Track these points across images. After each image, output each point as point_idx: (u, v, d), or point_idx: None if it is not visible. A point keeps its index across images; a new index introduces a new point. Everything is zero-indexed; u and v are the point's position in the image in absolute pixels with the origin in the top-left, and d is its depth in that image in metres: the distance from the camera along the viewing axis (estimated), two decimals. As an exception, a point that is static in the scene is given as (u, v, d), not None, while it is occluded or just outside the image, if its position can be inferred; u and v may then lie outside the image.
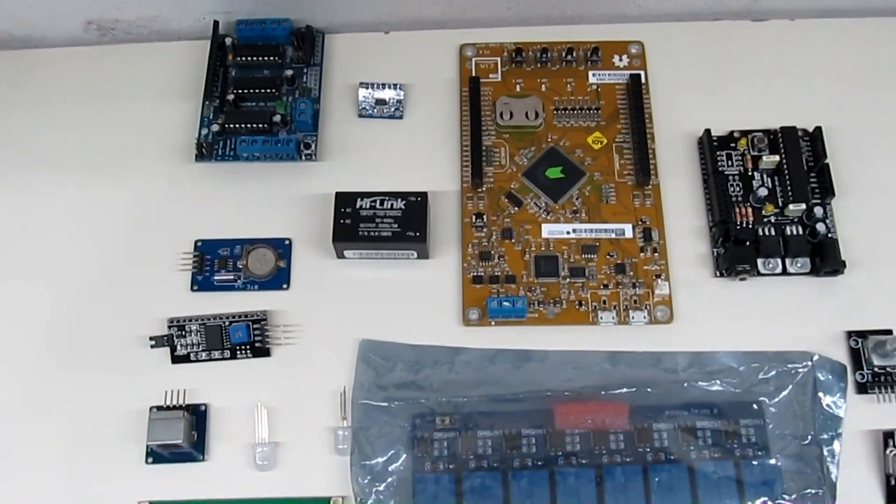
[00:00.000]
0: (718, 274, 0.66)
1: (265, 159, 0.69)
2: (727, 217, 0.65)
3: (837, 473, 0.60)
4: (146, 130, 0.71)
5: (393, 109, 0.70)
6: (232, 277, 0.66)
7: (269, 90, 0.70)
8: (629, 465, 0.59)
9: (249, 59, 0.71)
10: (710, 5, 0.74)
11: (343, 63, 0.73)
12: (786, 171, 0.67)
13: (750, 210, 0.67)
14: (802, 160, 0.67)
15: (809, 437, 0.60)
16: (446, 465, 0.60)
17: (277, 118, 0.68)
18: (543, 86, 0.71)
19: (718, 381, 0.62)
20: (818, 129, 0.68)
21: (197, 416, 0.63)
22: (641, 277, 0.65)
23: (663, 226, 0.67)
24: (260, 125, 0.68)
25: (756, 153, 0.68)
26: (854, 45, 0.72)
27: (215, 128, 0.69)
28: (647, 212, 0.67)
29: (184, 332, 0.64)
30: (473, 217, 0.67)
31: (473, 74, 0.71)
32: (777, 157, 0.67)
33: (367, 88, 0.70)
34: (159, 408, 0.62)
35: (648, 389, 0.61)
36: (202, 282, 0.66)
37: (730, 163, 0.68)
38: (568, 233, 0.66)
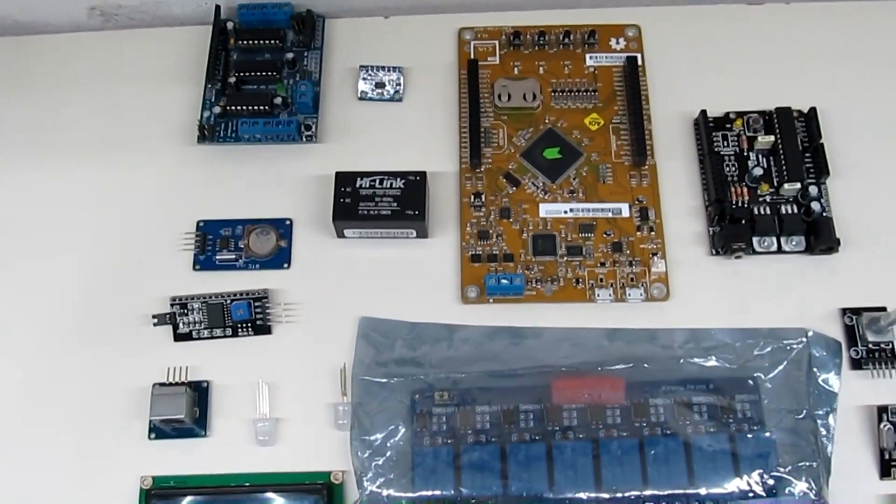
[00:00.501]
0: (714, 252, 0.66)
1: (266, 141, 0.69)
2: (723, 196, 0.66)
3: (832, 448, 0.61)
4: (149, 114, 0.72)
5: (392, 92, 0.71)
6: (233, 257, 0.67)
7: (270, 73, 0.71)
8: (625, 439, 0.60)
9: (251, 42, 0.72)
10: (706, -11, 0.75)
11: (343, 47, 0.74)
12: (781, 152, 0.68)
13: (745, 190, 0.67)
14: (797, 140, 0.68)
15: (804, 412, 0.61)
16: (445, 440, 0.60)
17: (278, 100, 0.69)
18: (541, 68, 0.72)
19: (714, 357, 0.62)
20: (813, 110, 0.69)
21: (199, 393, 0.63)
22: (638, 256, 0.66)
23: (660, 205, 0.67)
24: (261, 107, 0.69)
25: (751, 134, 0.69)
26: (847, 28, 0.73)
27: (217, 110, 0.70)
28: (644, 191, 0.68)
29: (186, 311, 0.65)
30: (472, 197, 0.68)
31: (472, 57, 0.72)
32: (772, 138, 0.68)
33: (366, 71, 0.71)
34: (162, 384, 0.63)
35: (645, 365, 0.62)
36: (204, 261, 0.67)
37: (725, 143, 0.69)
38: (565, 212, 0.67)
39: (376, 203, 0.65)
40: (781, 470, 0.59)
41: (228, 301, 0.65)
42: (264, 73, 0.71)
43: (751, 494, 0.58)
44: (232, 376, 0.64)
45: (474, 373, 0.62)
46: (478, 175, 0.68)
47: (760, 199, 0.67)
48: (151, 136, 0.71)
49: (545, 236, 0.66)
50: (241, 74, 0.71)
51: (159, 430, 0.62)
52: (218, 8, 0.73)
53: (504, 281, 0.64)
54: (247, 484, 0.61)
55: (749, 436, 0.60)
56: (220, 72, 0.71)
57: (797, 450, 0.60)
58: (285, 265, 0.67)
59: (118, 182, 0.70)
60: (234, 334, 0.65)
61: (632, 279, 0.65)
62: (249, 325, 0.65)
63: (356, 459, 0.60)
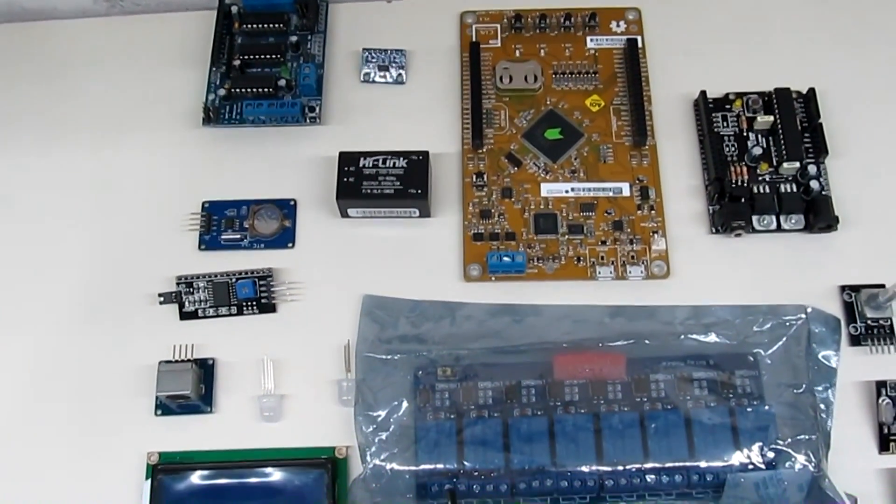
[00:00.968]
0: (714, 230, 0.67)
1: (270, 122, 0.70)
2: (723, 175, 0.67)
3: (831, 423, 0.61)
4: (155, 97, 0.73)
5: (395, 75, 0.72)
6: (238, 237, 0.68)
7: (274, 56, 0.72)
8: (626, 413, 0.61)
9: (255, 26, 0.73)
10: (706, -28, 0.75)
11: (346, 30, 0.74)
12: (780, 132, 0.68)
13: (745, 169, 0.68)
14: (796, 120, 0.69)
15: (804, 387, 0.61)
16: (448, 415, 0.61)
17: (282, 82, 0.70)
18: (542, 51, 0.72)
19: (714, 334, 0.63)
20: (811, 91, 0.69)
21: (205, 370, 0.64)
22: (639, 234, 0.66)
23: (660, 184, 0.68)
24: (265, 89, 0.70)
25: (751, 114, 0.70)
26: (846, 10, 0.74)
27: (222, 92, 0.70)
28: (645, 171, 0.68)
29: (192, 289, 0.66)
30: (474, 177, 0.68)
31: (474, 41, 0.73)
32: (771, 118, 0.69)
33: (369, 55, 0.72)
34: (168, 362, 0.64)
35: (646, 341, 0.63)
36: (209, 241, 0.68)
37: (725, 124, 0.70)
38: (566, 192, 0.68)
39: (379, 182, 0.65)
40: (781, 443, 0.59)
41: (234, 280, 0.66)
42: (268, 57, 0.72)
43: (750, 467, 0.59)
44: (237, 354, 0.65)
45: (477, 349, 0.63)
46: (480, 156, 0.69)
47: (760, 178, 0.68)
48: (157, 120, 0.72)
49: (546, 215, 0.67)
50: (246, 58, 0.72)
51: (165, 407, 0.63)
52: (222, -8, 0.74)
53: (506, 258, 0.64)
54: (252, 459, 0.61)
55: (749, 409, 0.60)
56: (224, 56, 0.72)
57: (796, 423, 0.60)
58: (290, 245, 0.67)
59: (125, 164, 0.70)
60: (240, 313, 0.66)
61: (632, 257, 0.66)
62: (254, 303, 0.65)
63: (360, 434, 0.61)
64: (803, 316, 0.64)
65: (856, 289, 0.65)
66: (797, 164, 0.67)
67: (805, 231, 0.66)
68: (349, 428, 0.62)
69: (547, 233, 0.66)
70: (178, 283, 0.66)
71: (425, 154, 0.66)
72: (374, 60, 0.72)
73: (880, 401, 0.62)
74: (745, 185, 0.67)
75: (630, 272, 0.65)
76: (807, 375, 0.62)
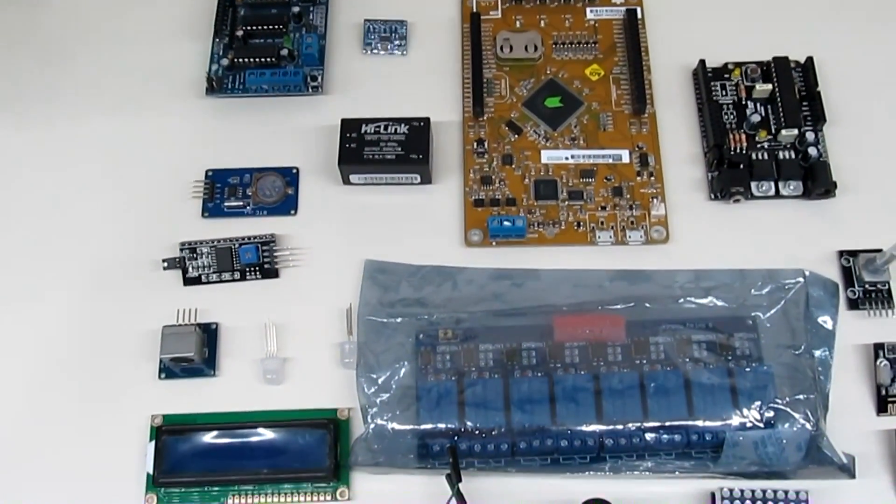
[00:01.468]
0: (713, 197, 0.68)
1: (273, 92, 0.71)
2: (721, 141, 0.67)
3: (829, 386, 0.62)
4: (159, 68, 0.73)
5: (397, 46, 0.73)
6: (241, 204, 0.68)
7: (276, 27, 0.72)
8: (626, 374, 0.61)
9: (257, -3, 0.74)
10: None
11: (348, 1, 0.75)
12: (778, 100, 0.69)
13: (743, 136, 0.68)
14: (794, 88, 0.69)
15: (802, 348, 0.62)
16: (449, 377, 0.62)
17: (285, 52, 0.71)
18: (542, 22, 0.73)
19: (713, 297, 0.63)
20: (809, 60, 0.70)
21: (208, 334, 0.65)
22: (638, 200, 0.67)
23: (659, 152, 0.69)
24: (268, 59, 0.71)
25: (749, 83, 0.70)
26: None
27: (225, 62, 0.71)
28: (644, 139, 0.69)
29: (195, 255, 0.66)
30: (475, 144, 0.69)
31: (474, 11, 0.73)
32: (770, 87, 0.69)
33: (371, 25, 0.73)
34: (171, 326, 0.64)
35: (646, 304, 0.63)
36: (213, 208, 0.68)
37: (724, 93, 0.70)
38: (567, 158, 0.68)
39: (381, 148, 0.66)
40: (780, 402, 0.60)
41: (237, 245, 0.66)
42: (271, 27, 0.72)
43: (749, 426, 0.59)
44: (240, 318, 0.65)
45: (478, 312, 0.63)
46: (480, 123, 0.70)
47: (758, 145, 0.68)
48: (162, 90, 0.73)
49: (547, 181, 0.68)
50: (249, 28, 0.72)
51: (169, 370, 0.64)
52: (225, -36, 0.75)
53: (507, 223, 0.65)
54: (255, 421, 0.62)
55: (747, 369, 0.61)
56: (227, 26, 0.73)
57: (795, 382, 0.60)
58: (292, 212, 0.68)
59: (130, 134, 0.71)
60: (243, 278, 0.66)
61: (632, 222, 0.66)
62: (257, 268, 0.66)
63: (362, 396, 0.61)
64: (801, 280, 0.64)
65: (854, 254, 0.65)
66: (795, 132, 0.68)
67: (803, 197, 0.67)
68: (351, 390, 0.62)
69: (547, 199, 0.67)
70: (181, 249, 0.67)
71: (426, 120, 0.67)
72: (375, 31, 0.73)
73: (878, 363, 0.62)
74: (744, 152, 0.68)
75: (630, 237, 0.66)
76: (805, 337, 0.62)
